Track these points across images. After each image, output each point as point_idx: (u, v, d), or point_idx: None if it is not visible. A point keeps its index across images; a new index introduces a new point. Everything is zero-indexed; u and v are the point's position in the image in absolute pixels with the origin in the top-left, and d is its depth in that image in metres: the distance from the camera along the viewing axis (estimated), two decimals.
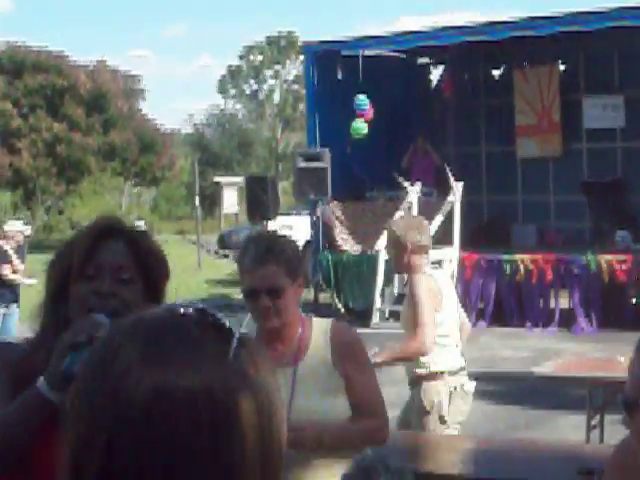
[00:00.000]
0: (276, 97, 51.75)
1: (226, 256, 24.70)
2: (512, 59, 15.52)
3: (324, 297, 13.61)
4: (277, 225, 13.84)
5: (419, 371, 4.60)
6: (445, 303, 4.61)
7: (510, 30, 13.24)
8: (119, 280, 2.02)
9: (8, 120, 33.07)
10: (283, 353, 2.97)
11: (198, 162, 26.79)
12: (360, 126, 13.80)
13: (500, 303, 12.87)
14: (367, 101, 13.80)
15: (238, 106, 53.25)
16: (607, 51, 14.64)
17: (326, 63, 14.39)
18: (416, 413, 4.58)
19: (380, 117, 14.07)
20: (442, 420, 4.56)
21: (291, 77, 50.78)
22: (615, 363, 6.07)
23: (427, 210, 12.58)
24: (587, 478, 3.48)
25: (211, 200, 37.80)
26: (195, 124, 52.59)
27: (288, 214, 21.11)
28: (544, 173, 15.49)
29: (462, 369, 4.68)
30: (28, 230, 11.87)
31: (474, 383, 4.74)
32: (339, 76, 14.32)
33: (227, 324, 1.00)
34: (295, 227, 17.99)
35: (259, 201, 13.62)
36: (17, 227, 11.13)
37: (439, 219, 13.00)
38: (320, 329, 3.02)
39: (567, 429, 7.16)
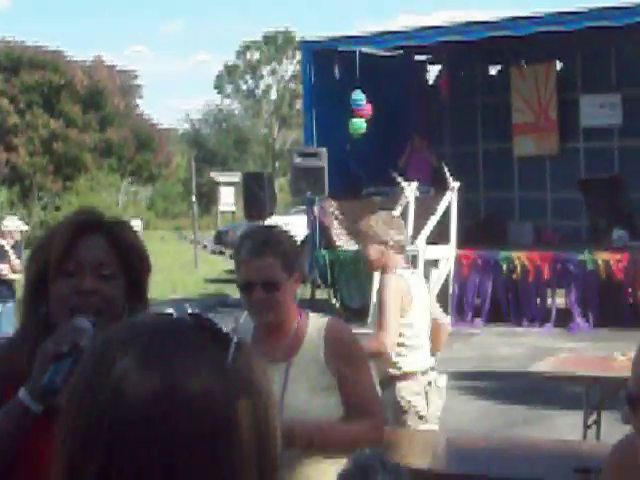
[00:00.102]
0: (273, 94, 51.78)
1: (222, 252, 24.69)
2: (509, 57, 15.52)
3: (321, 294, 13.61)
4: (274, 223, 13.81)
5: (392, 371, 4.60)
6: (415, 304, 4.58)
7: (507, 28, 13.24)
8: (100, 276, 1.95)
9: (5, 117, 33.11)
10: (277, 348, 2.92)
11: (195, 159, 26.76)
12: (359, 124, 13.78)
13: (497, 301, 12.86)
14: (363, 97, 13.78)
15: (235, 103, 53.31)
16: (604, 49, 14.64)
17: (323, 61, 14.38)
18: (392, 412, 4.57)
19: (377, 115, 14.06)
20: (420, 417, 4.58)
21: (288, 74, 50.78)
22: (612, 361, 6.06)
23: (424, 208, 12.58)
24: (584, 476, 3.48)
25: (208, 198, 37.79)
26: (192, 120, 52.64)
27: (287, 214, 21.10)
28: (541, 171, 15.48)
29: (432, 369, 4.70)
30: (25, 227, 11.87)
31: (445, 376, 4.77)
32: (336, 73, 14.31)
33: (224, 329, 1.01)
34: (292, 226, 17.96)
35: (256, 198, 13.61)
36: (15, 224, 11.13)
37: (436, 217, 12.99)
38: (316, 326, 2.97)
39: (564, 427, 7.15)
